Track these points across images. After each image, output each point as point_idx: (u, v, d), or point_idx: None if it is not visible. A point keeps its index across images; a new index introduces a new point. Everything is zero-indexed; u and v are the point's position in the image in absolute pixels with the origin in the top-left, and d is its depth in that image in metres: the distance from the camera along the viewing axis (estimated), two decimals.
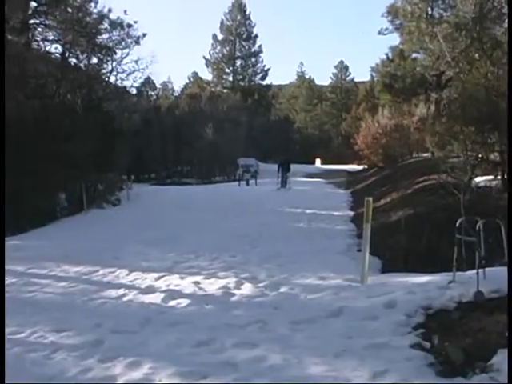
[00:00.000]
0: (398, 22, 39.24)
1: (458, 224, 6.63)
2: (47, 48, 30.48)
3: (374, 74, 64.53)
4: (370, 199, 7.96)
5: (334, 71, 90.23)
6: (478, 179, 12.94)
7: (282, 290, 7.88)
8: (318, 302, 7.02)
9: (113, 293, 8.24)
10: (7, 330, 6.49)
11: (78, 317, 7.01)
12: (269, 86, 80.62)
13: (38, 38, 29.46)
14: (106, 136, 27.52)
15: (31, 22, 27.87)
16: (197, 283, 8.52)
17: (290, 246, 11.93)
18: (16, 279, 9.48)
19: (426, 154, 30.67)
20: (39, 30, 29.19)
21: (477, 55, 16.03)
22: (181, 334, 6.12)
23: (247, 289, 8.05)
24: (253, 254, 10.97)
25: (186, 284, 8.52)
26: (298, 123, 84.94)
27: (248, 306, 7.16)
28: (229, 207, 20.63)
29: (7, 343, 6.09)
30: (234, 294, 7.80)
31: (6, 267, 10.65)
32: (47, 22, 28.61)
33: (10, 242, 15.46)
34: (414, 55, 38.96)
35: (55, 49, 30.85)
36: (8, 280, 9.40)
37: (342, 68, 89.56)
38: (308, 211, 18.25)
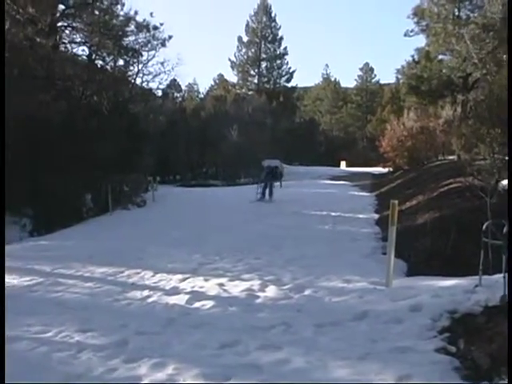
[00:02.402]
0: (424, 23, 38.85)
1: (484, 227, 6.57)
2: (74, 50, 30.86)
3: (399, 76, 64.09)
4: (396, 202, 7.92)
5: (360, 73, 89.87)
6: (504, 182, 12.80)
7: (307, 292, 7.87)
8: (342, 305, 7.01)
9: (137, 294, 8.28)
10: (34, 329, 6.58)
11: (104, 317, 7.06)
12: (294, 88, 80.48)
13: (66, 41, 29.79)
14: (132, 137, 27.69)
15: (59, 24, 28.17)
16: (221, 285, 8.54)
17: (314, 248, 11.90)
18: (43, 279, 9.56)
19: (451, 157, 30.41)
20: (67, 32, 29.52)
21: (504, 56, 15.91)
22: (205, 336, 6.15)
23: (271, 291, 8.05)
24: (277, 256, 10.96)
25: (211, 286, 8.54)
26: (322, 125, 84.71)
27: (272, 308, 7.17)
28: (253, 209, 20.65)
29: (34, 342, 6.17)
30: (258, 297, 7.81)
31: (33, 267, 10.82)
32: (74, 24, 28.89)
33: (38, 242, 15.66)
34: (440, 57, 38.65)
35: (82, 51, 31.25)
36: (35, 280, 9.51)
37: (368, 70, 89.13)
38: (333, 213, 18.19)
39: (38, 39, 27.30)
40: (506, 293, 5.85)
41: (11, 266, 11.05)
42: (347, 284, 8.19)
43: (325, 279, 8.62)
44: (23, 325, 6.79)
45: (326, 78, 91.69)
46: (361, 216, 17.66)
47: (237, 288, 8.31)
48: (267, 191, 23.54)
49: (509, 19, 11.19)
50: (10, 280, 9.53)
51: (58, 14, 27.63)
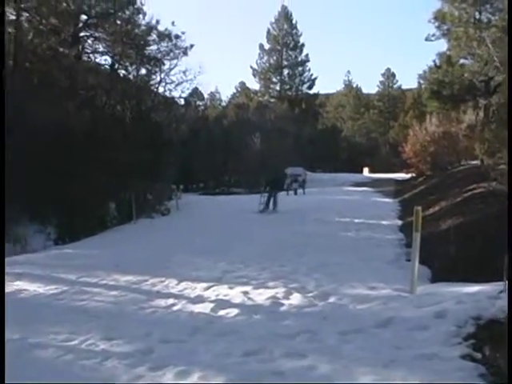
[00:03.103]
0: (445, 27, 38.56)
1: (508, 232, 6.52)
2: (97, 60, 31.17)
3: (421, 81, 63.83)
4: (419, 208, 7.89)
5: (381, 79, 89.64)
6: None
7: (331, 300, 7.85)
8: (366, 312, 6.98)
9: (162, 302, 8.31)
10: (60, 337, 6.62)
11: (129, 325, 7.09)
12: (316, 95, 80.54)
13: (88, 50, 30.11)
14: (155, 146, 27.83)
15: (82, 34, 28.44)
16: (246, 293, 8.54)
17: (338, 255, 11.87)
18: (68, 287, 9.62)
19: (474, 162, 30.19)
20: (89, 42, 29.83)
21: None
22: (229, 344, 6.15)
23: (296, 299, 8.04)
24: (301, 264, 10.93)
25: (235, 294, 8.54)
26: (345, 132, 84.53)
27: (297, 316, 7.16)
28: (277, 216, 20.66)
29: (60, 350, 6.22)
30: (282, 304, 7.80)
31: (58, 275, 10.90)
32: (97, 34, 29.17)
33: (62, 251, 15.77)
34: (461, 61, 38.40)
35: (105, 60, 31.51)
36: (60, 288, 9.57)
37: (389, 76, 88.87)
38: (356, 220, 18.14)
39: (61, 49, 27.61)
40: None
41: (36, 275, 11.16)
42: (371, 291, 8.16)
43: (349, 286, 8.60)
44: (49, 333, 6.85)
45: (348, 85, 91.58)
46: (384, 222, 17.61)
47: (261, 296, 8.31)
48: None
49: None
50: (35, 288, 9.63)
51: (80, 25, 27.91)
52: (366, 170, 63.49)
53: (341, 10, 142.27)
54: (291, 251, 12.61)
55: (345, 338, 6.10)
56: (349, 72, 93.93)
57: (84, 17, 28.04)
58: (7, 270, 11.88)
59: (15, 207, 26.49)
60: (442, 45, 57.40)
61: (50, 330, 6.98)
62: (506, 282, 6.45)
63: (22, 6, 26.02)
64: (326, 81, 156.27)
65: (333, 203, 25.04)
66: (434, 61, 44.36)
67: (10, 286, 9.88)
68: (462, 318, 5.99)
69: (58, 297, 9.03)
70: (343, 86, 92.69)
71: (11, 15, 26.11)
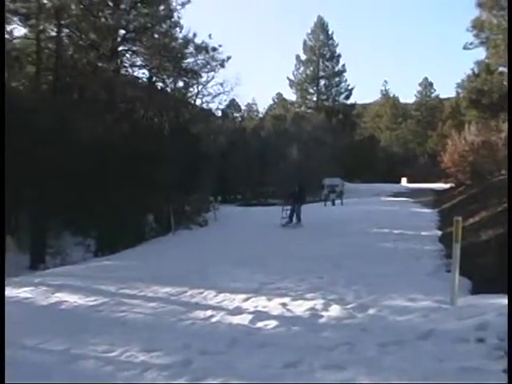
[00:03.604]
0: (483, 35, 38.22)
1: None
2: (135, 73, 31.53)
3: (459, 90, 63.27)
4: (459, 219, 7.79)
5: (419, 88, 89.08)
6: None
7: (370, 311, 7.78)
8: (406, 324, 6.91)
9: (201, 314, 8.32)
10: (100, 349, 6.67)
11: (168, 337, 7.11)
12: (353, 105, 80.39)
13: (127, 64, 30.49)
14: (193, 158, 28.01)
15: (120, 48, 28.80)
16: (284, 305, 8.51)
17: (377, 266, 11.78)
18: (107, 299, 9.68)
19: None
20: (127, 56, 30.22)
21: None
22: (268, 356, 6.13)
23: (335, 310, 7.99)
24: (340, 275, 10.86)
25: (274, 305, 8.52)
26: (382, 142, 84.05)
27: (336, 327, 7.11)
28: (314, 228, 20.58)
29: (100, 361, 6.26)
30: (321, 316, 7.75)
31: (98, 287, 10.99)
32: (135, 48, 29.51)
33: (102, 263, 15.90)
34: (500, 69, 38.01)
35: (143, 74, 31.90)
36: (100, 300, 9.64)
37: (427, 85, 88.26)
38: (395, 231, 18.00)
39: (100, 64, 28.01)
40: None
41: (76, 286, 11.26)
42: (411, 303, 8.08)
43: (388, 298, 8.52)
44: (89, 344, 6.90)
45: (385, 94, 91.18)
46: (423, 233, 17.42)
47: (300, 307, 8.27)
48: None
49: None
50: (76, 300, 9.71)
51: (118, 39, 28.27)
52: (404, 180, 63.08)
53: (377, 20, 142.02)
54: (329, 263, 12.55)
55: (385, 350, 6.03)
56: (386, 82, 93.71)
57: (122, 31, 28.40)
58: (48, 281, 12.07)
59: (57, 220, 26.93)
60: (481, 53, 56.90)
61: (91, 341, 7.04)
62: None
63: (63, 22, 26.47)
64: (363, 91, 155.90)
65: (371, 214, 24.89)
66: (473, 69, 44.08)
67: (51, 298, 10.00)
68: (503, 331, 5.89)
69: (98, 308, 9.10)
70: (380, 95, 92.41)
71: (52, 31, 26.62)
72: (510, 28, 10.80)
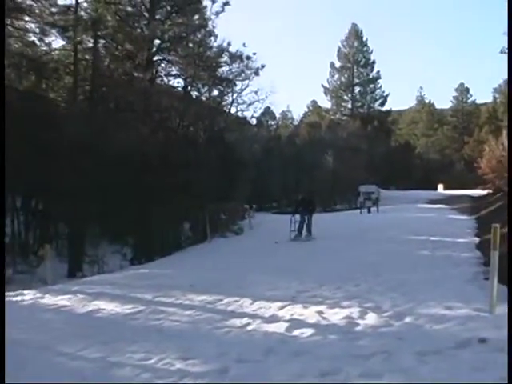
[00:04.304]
0: None
1: None
2: (170, 82, 31.75)
3: (496, 95, 62.55)
4: (497, 226, 7.69)
5: (455, 94, 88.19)
6: None
7: (407, 319, 7.71)
8: (444, 333, 6.83)
9: (237, 322, 8.32)
10: (137, 356, 6.71)
11: (204, 345, 7.12)
12: (388, 112, 79.98)
13: (162, 74, 30.71)
14: (228, 166, 28.11)
15: (155, 58, 29.04)
16: (320, 313, 8.48)
17: (414, 274, 11.68)
18: (144, 307, 9.74)
19: None
20: (162, 65, 30.45)
21: None
22: (304, 364, 6.10)
23: (371, 319, 7.93)
24: (376, 283, 10.79)
25: (310, 313, 8.49)
26: (418, 149, 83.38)
27: (372, 336, 7.05)
28: (351, 235, 20.48)
29: (137, 369, 6.30)
30: (357, 324, 7.70)
31: (135, 295, 11.07)
32: (170, 57, 29.74)
33: (139, 271, 16.01)
34: None
35: (178, 83, 32.15)
36: (137, 308, 9.70)
37: (463, 90, 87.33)
38: (432, 238, 17.84)
39: (136, 74, 28.28)
40: None
41: (113, 294, 11.35)
42: (449, 311, 7.99)
43: (425, 306, 8.44)
44: (126, 352, 6.94)
45: (421, 100, 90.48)
46: (461, 240, 17.24)
47: (336, 315, 8.23)
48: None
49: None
50: (113, 308, 9.79)
51: (154, 49, 28.51)
52: (440, 187, 62.52)
53: (412, 25, 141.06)
54: (365, 270, 12.48)
55: (422, 359, 5.97)
56: (421, 88, 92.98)
57: (157, 41, 28.64)
58: (86, 289, 12.19)
59: (94, 229, 27.22)
60: None
61: (128, 348, 7.08)
62: None
63: (99, 33, 26.81)
64: (398, 97, 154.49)
65: (407, 221, 24.72)
66: None
67: (89, 306, 10.10)
68: None
69: (135, 316, 9.16)
70: (416, 102, 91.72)
71: (89, 43, 26.98)
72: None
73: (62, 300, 10.88)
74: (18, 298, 11.38)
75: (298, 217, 21.17)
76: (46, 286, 13.63)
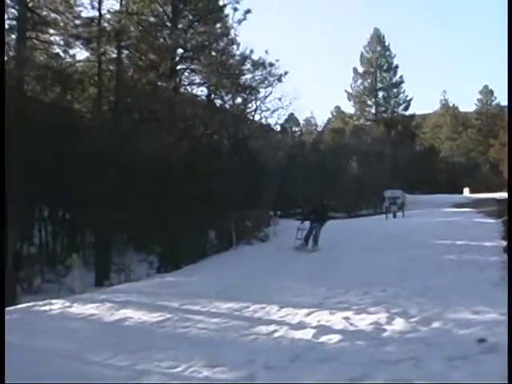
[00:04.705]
0: None
1: None
2: (194, 91, 31.92)
3: None
4: None
5: (479, 96, 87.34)
6: None
7: (435, 325, 7.68)
8: (472, 338, 6.80)
9: (264, 329, 8.33)
10: (164, 364, 6.74)
11: (231, 352, 7.13)
12: (412, 116, 79.50)
13: (185, 82, 30.88)
14: (252, 173, 28.16)
15: (178, 67, 29.19)
16: (347, 319, 8.47)
17: (440, 279, 11.63)
18: (171, 315, 9.77)
19: None
20: (186, 74, 30.62)
21: None
22: (332, 370, 6.10)
23: (399, 324, 7.91)
24: (403, 288, 10.77)
25: (337, 319, 8.49)
26: (443, 152, 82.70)
27: (400, 341, 7.03)
28: (376, 241, 20.39)
29: (164, 377, 6.33)
30: (385, 330, 7.68)
31: (162, 303, 11.12)
32: (193, 66, 29.87)
33: (165, 279, 16.06)
34: None
35: (201, 91, 32.32)
36: (164, 316, 9.75)
37: (487, 93, 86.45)
38: (458, 242, 17.72)
39: (160, 83, 28.46)
40: None
41: (141, 302, 11.42)
42: (476, 315, 7.95)
43: (453, 311, 8.40)
44: (154, 360, 6.98)
45: (444, 104, 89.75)
46: (487, 244, 17.10)
47: (363, 321, 8.22)
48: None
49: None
50: (140, 316, 9.84)
51: (177, 58, 28.66)
52: (466, 191, 61.98)
53: (434, 29, 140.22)
54: (392, 276, 12.45)
55: (451, 365, 5.94)
56: (444, 91, 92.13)
57: (180, 50, 28.77)
58: (113, 298, 12.27)
59: (121, 238, 27.42)
60: None
61: (155, 356, 7.11)
62: None
63: (123, 44, 27.04)
64: (422, 101, 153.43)
65: (433, 225, 24.57)
66: None
67: (116, 314, 10.17)
68: None
69: (162, 324, 9.20)
70: (439, 105, 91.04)
71: (113, 53, 27.25)
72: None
73: (90, 309, 10.95)
74: (47, 308, 11.47)
75: (305, 224, 20.49)
76: (74, 295, 13.72)
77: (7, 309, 12.49)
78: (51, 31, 25.65)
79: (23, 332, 8.95)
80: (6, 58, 23.81)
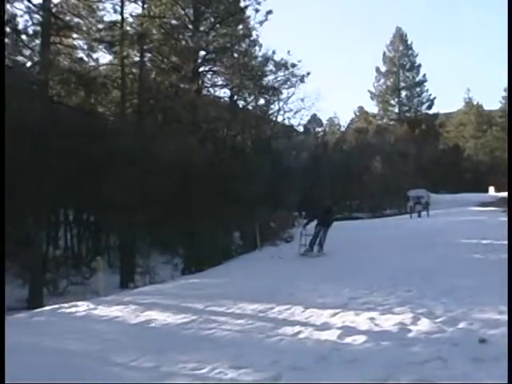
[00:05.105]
0: None
1: None
2: (216, 93, 32.03)
3: None
4: None
5: (504, 94, 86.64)
6: None
7: (461, 325, 7.60)
8: (499, 338, 6.73)
9: (288, 330, 8.29)
10: (189, 366, 6.73)
11: (256, 354, 7.10)
12: (436, 115, 79.10)
13: (208, 84, 31.00)
14: (276, 174, 28.16)
15: (201, 69, 29.30)
16: (372, 319, 8.41)
17: (466, 278, 11.52)
18: (195, 316, 9.77)
19: None
20: (208, 76, 30.75)
21: None
22: (358, 371, 6.05)
23: (424, 324, 7.84)
24: (428, 288, 10.68)
25: (362, 320, 8.44)
26: (467, 151, 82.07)
27: (425, 342, 6.96)
28: (401, 240, 20.31)
29: (189, 378, 6.32)
30: (410, 330, 7.62)
31: (186, 305, 11.13)
32: (215, 68, 30.02)
33: (190, 281, 16.07)
34: None
35: (224, 93, 32.40)
36: (188, 317, 9.74)
37: None
38: (483, 241, 17.58)
39: (182, 85, 28.60)
40: None
41: (165, 304, 11.44)
42: (503, 315, 7.85)
43: (479, 311, 8.32)
44: (179, 362, 6.96)
45: (468, 102, 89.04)
46: None
47: (388, 322, 8.16)
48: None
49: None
50: (165, 318, 9.84)
51: (199, 60, 28.78)
52: (491, 189, 61.45)
53: (457, 26, 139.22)
54: (417, 276, 12.37)
55: (479, 366, 5.88)
56: (468, 89, 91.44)
57: (202, 53, 28.89)
58: (138, 300, 12.31)
59: (145, 240, 27.56)
60: None
61: (180, 358, 7.10)
62: None
63: (145, 47, 27.23)
64: (446, 100, 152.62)
65: (458, 224, 24.43)
66: None
67: (141, 316, 10.18)
68: None
69: (187, 326, 9.19)
70: (463, 104, 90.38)
71: (135, 57, 27.45)
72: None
73: (114, 311, 10.98)
74: (72, 310, 11.53)
75: (308, 230, 19.66)
76: (99, 297, 13.79)
77: (35, 310, 12.66)
78: (74, 36, 25.98)
79: (49, 334, 9.00)
80: (30, 63, 24.15)
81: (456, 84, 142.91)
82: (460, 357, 6.17)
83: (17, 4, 22.35)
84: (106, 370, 6.72)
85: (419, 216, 35.89)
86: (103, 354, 7.49)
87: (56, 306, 12.36)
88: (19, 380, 5.77)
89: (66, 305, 12.36)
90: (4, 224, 9.54)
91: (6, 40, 21.76)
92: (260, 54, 30.98)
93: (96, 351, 7.70)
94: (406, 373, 5.83)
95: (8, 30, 21.63)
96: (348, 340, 7.40)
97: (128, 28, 26.54)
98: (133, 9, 28.62)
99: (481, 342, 6.40)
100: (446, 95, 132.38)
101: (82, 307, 11.76)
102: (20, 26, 22.39)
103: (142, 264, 25.64)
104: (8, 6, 21.95)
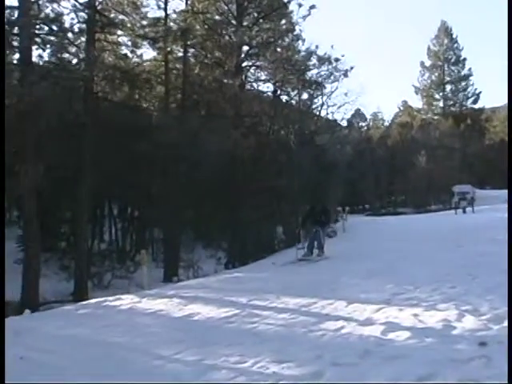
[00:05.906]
0: None
1: None
2: (260, 87, 32.06)
3: None
4: None
5: None
6: None
7: (507, 323, 7.48)
8: None
9: (331, 325, 8.25)
10: (232, 359, 6.75)
11: (299, 348, 7.08)
12: (481, 110, 77.89)
13: (251, 79, 31.05)
14: (320, 169, 28.07)
15: (244, 64, 29.35)
16: (416, 315, 8.32)
17: None
18: (239, 310, 9.78)
19: None
20: (251, 71, 30.79)
21: None
22: (401, 368, 5.99)
23: (469, 322, 7.72)
24: (473, 285, 10.51)
25: (405, 316, 8.35)
26: None
27: (470, 339, 6.86)
28: (446, 236, 20.07)
29: (232, 372, 6.34)
30: (454, 327, 7.51)
31: (230, 298, 11.16)
32: (259, 63, 30.03)
33: (233, 275, 16.14)
34: None
35: (267, 88, 32.42)
36: (231, 311, 9.76)
37: None
38: None
39: (226, 80, 28.69)
40: None
41: (209, 298, 11.49)
42: None
43: None
44: (222, 355, 6.98)
45: None
46: None
47: (432, 318, 8.06)
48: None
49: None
50: (208, 311, 9.88)
51: (242, 55, 28.82)
52: None
53: (502, 19, 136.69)
54: (463, 272, 12.20)
55: None
56: None
57: (246, 47, 28.94)
58: (181, 293, 12.39)
59: (189, 234, 27.76)
60: None
61: (223, 352, 7.12)
62: None
63: (189, 43, 27.38)
64: (492, 94, 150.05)
65: (504, 221, 23.98)
66: None
67: (184, 310, 10.24)
68: None
69: (230, 320, 9.21)
70: None
71: (179, 52, 27.64)
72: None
73: (158, 304, 11.07)
74: (117, 303, 11.66)
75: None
76: (143, 291, 13.93)
77: (80, 303, 12.84)
78: (119, 32, 26.27)
79: (94, 326, 9.14)
80: (76, 60, 24.48)
81: (502, 78, 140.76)
82: (505, 355, 6.07)
83: (63, 3, 22.67)
84: (148, 363, 6.79)
85: (464, 212, 35.47)
86: (146, 347, 7.57)
87: (101, 299, 12.54)
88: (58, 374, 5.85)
89: (110, 298, 12.53)
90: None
91: (53, 38, 22.10)
92: (303, 48, 30.95)
93: (139, 344, 7.79)
94: (450, 370, 5.75)
95: (55, 28, 21.93)
96: (391, 336, 7.33)
97: (171, 24, 26.73)
98: (176, 5, 29.01)
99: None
100: (492, 89, 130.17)
101: (126, 300, 11.90)
102: (66, 24, 22.68)
103: (185, 258, 25.82)
104: (55, 5, 22.30)
